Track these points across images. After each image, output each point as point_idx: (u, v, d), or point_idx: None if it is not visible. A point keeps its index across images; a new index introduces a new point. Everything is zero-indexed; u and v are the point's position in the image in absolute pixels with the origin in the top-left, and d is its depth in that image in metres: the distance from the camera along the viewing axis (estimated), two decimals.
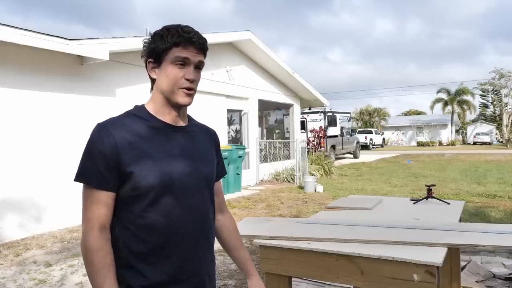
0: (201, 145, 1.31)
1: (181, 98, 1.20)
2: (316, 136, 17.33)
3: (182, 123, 1.27)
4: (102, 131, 1.16)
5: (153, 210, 1.15)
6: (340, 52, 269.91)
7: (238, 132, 13.36)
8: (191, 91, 1.20)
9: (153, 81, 1.25)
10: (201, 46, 1.20)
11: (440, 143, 39.29)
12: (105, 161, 1.12)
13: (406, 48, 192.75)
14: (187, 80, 1.18)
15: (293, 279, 2.15)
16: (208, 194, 1.28)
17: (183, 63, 1.18)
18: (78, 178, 1.15)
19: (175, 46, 1.17)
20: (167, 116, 1.24)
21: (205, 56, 1.24)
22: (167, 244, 1.16)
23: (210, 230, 1.29)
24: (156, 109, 1.23)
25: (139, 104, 1.28)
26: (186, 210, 1.19)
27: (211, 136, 1.40)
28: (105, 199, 1.13)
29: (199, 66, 1.21)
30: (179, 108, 1.24)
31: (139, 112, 1.23)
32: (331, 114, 18.46)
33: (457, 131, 45.70)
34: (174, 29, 1.19)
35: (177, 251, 1.18)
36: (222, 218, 1.46)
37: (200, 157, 1.27)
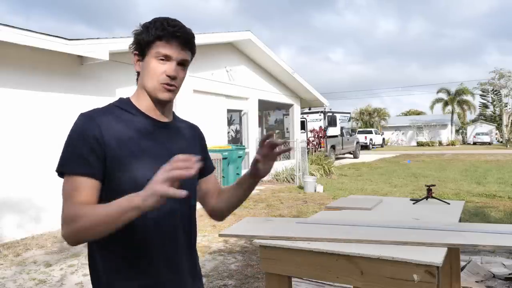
0: (183, 143, 1.27)
1: (161, 94, 1.16)
2: (316, 136, 17.33)
3: (166, 119, 1.24)
4: (87, 119, 1.11)
5: None
6: (342, 52, 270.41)
7: (238, 132, 13.37)
8: (171, 87, 1.16)
9: (138, 73, 1.21)
10: (185, 41, 1.15)
11: (440, 143, 39.28)
12: (89, 148, 1.06)
13: (408, 48, 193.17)
14: (168, 76, 1.14)
15: (293, 279, 2.15)
16: (189, 191, 1.26)
17: (165, 58, 1.14)
18: (61, 168, 1.07)
19: (158, 39, 1.13)
20: (152, 111, 1.20)
21: (192, 52, 1.20)
22: (146, 244, 1.13)
23: (192, 230, 1.27)
24: (140, 104, 1.20)
25: (124, 97, 1.24)
26: (165, 209, 1.14)
27: (195, 132, 1.36)
28: (89, 186, 1.05)
29: (182, 64, 1.17)
30: (162, 104, 1.21)
31: (124, 105, 1.19)
32: (331, 114, 18.46)
33: (457, 131, 45.69)
34: (159, 22, 1.13)
35: (156, 251, 1.15)
36: (218, 197, 1.40)
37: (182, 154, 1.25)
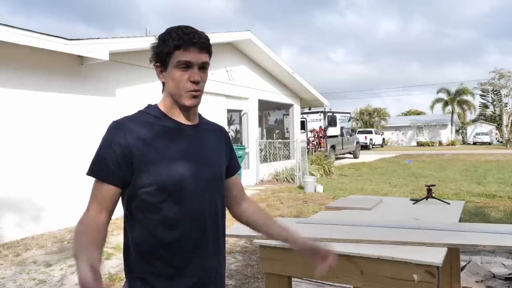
0: (211, 144, 1.33)
1: (187, 101, 1.22)
2: (316, 136, 17.33)
3: (192, 122, 1.30)
4: (115, 128, 1.19)
5: (162, 207, 1.18)
6: (343, 52, 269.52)
7: (238, 132, 13.36)
8: (197, 93, 1.22)
9: (163, 83, 1.28)
10: (203, 45, 1.21)
11: (440, 143, 39.27)
12: (114, 158, 1.16)
13: (409, 47, 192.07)
14: (193, 82, 1.20)
15: (293, 279, 2.15)
16: (217, 191, 1.31)
17: (186, 65, 1.19)
18: (89, 172, 1.20)
19: (176, 49, 1.19)
20: (177, 116, 1.27)
21: (210, 54, 1.26)
22: (176, 239, 1.20)
23: (219, 227, 1.32)
24: (167, 109, 1.27)
25: (152, 104, 1.31)
26: (194, 207, 1.22)
27: (221, 134, 1.42)
28: (109, 192, 1.18)
29: (203, 67, 1.23)
30: (189, 109, 1.27)
31: (151, 111, 1.27)
32: (331, 114, 18.45)
33: (457, 131, 45.67)
34: (175, 32, 1.20)
35: (186, 246, 1.21)
36: (246, 205, 1.49)
37: (209, 155, 1.30)
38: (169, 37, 1.19)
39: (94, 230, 1.14)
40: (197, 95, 1.22)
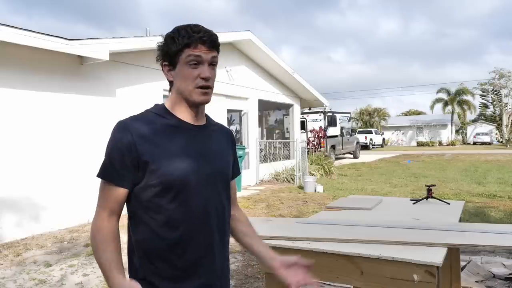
0: (217, 145, 1.33)
1: (198, 97, 1.21)
2: (316, 136, 17.33)
3: (200, 122, 1.29)
4: (121, 128, 1.19)
5: (168, 206, 1.18)
6: (343, 51, 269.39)
7: (238, 132, 13.36)
8: (207, 89, 1.22)
9: (170, 83, 1.27)
10: (212, 43, 1.21)
11: (440, 143, 39.28)
12: (121, 159, 1.16)
13: (410, 47, 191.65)
14: (203, 78, 1.20)
15: None
16: (223, 192, 1.30)
17: (197, 62, 1.19)
18: (99, 175, 1.21)
19: (186, 47, 1.18)
20: (185, 115, 1.26)
21: (218, 51, 1.26)
22: (181, 240, 1.19)
23: (225, 228, 1.31)
24: (174, 108, 1.26)
25: (159, 103, 1.30)
26: (201, 207, 1.21)
27: (227, 135, 1.42)
28: (117, 194, 1.18)
29: (212, 63, 1.23)
30: (197, 107, 1.26)
31: (158, 110, 1.26)
32: (331, 114, 18.46)
33: (457, 131, 45.67)
34: (184, 30, 1.19)
35: (191, 247, 1.20)
36: (234, 213, 1.44)
37: (216, 156, 1.29)
38: (178, 35, 1.19)
39: (114, 239, 1.18)
40: (207, 92, 1.22)
